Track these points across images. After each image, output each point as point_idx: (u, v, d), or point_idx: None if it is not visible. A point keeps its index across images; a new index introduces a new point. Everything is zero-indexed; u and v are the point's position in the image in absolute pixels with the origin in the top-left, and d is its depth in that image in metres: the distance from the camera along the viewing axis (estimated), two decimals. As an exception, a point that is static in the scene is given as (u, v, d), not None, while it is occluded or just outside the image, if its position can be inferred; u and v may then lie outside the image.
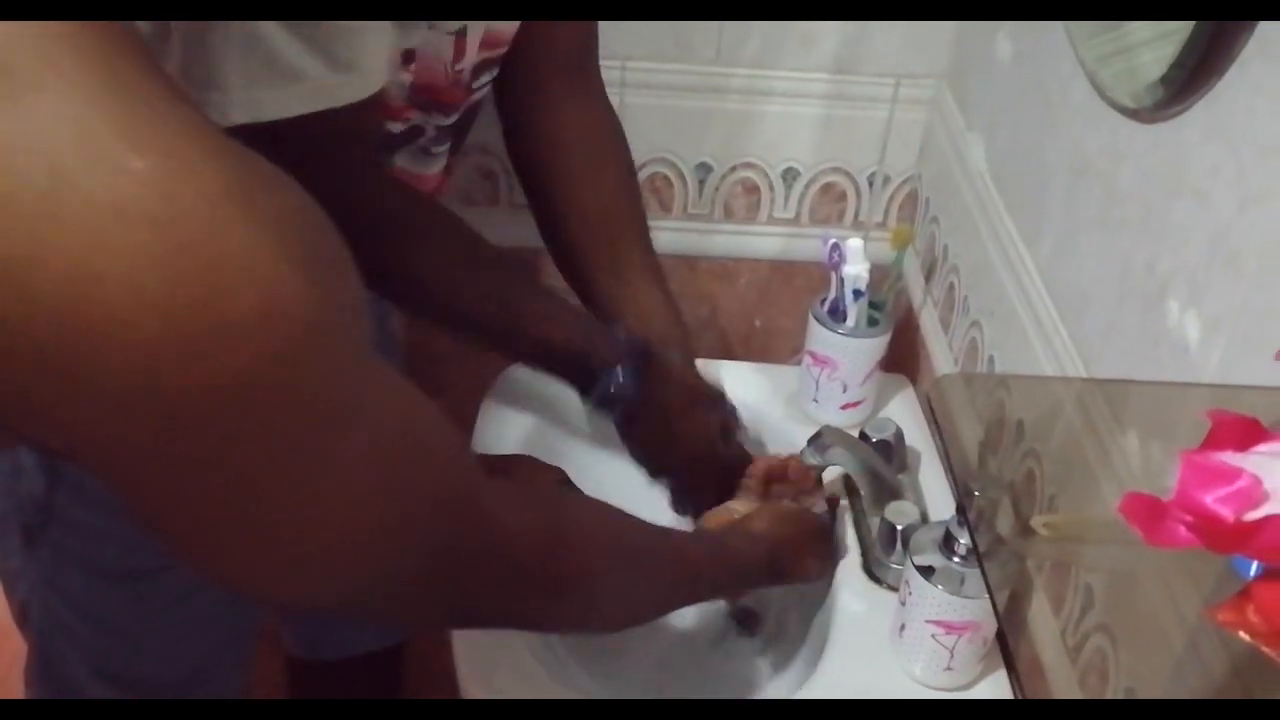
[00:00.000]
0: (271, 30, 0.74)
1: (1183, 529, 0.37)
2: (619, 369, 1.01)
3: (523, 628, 0.90)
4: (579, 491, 0.98)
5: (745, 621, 1.14)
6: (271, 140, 0.52)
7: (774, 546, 1.00)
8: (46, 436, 0.43)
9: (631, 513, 0.82)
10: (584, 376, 1.03)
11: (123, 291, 0.38)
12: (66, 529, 0.97)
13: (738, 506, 1.06)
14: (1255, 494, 0.37)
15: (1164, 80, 0.78)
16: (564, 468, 0.98)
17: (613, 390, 1.02)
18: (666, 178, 1.35)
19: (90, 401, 0.40)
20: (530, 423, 1.18)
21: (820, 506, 1.12)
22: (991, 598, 0.90)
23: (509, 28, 0.99)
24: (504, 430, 1.19)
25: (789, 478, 1.09)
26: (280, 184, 0.44)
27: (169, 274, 0.39)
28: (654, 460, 1.09)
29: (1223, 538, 0.37)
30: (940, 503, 1.12)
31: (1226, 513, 0.36)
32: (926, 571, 0.94)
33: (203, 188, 0.40)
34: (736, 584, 1.01)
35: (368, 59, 0.81)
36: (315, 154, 0.74)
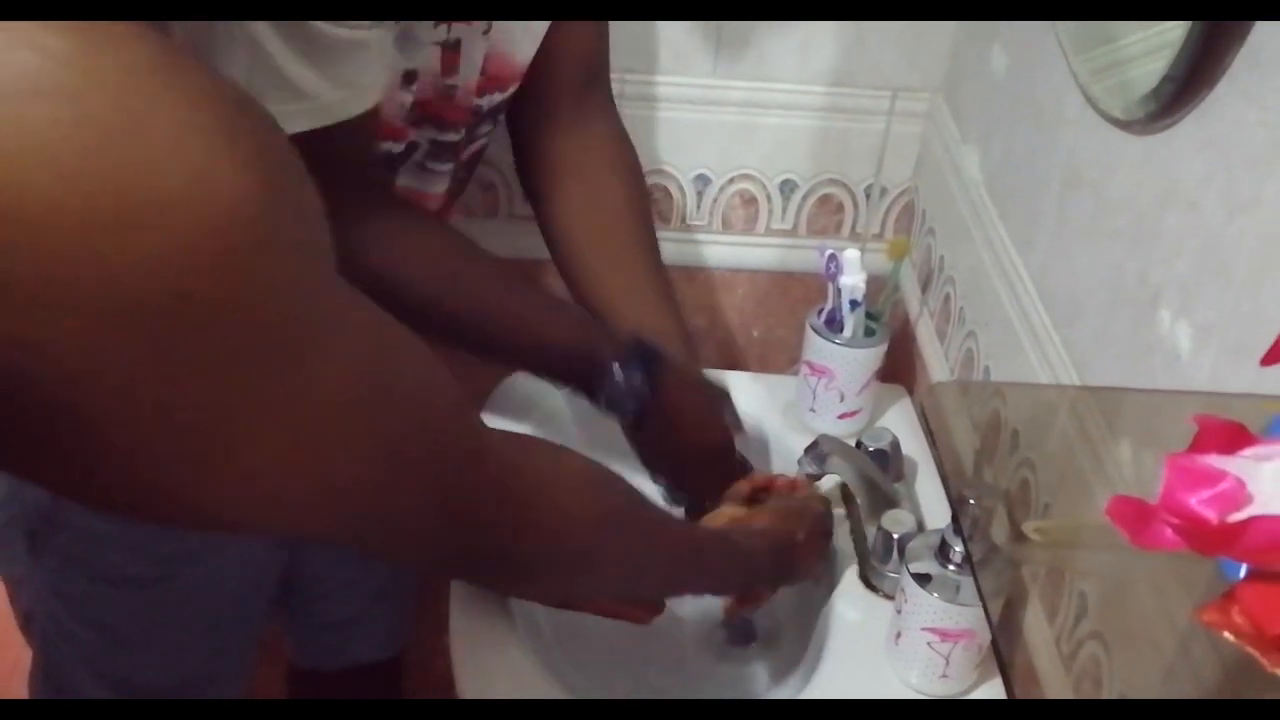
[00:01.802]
0: (276, 47, 0.75)
1: (1169, 531, 0.38)
2: (627, 368, 1.02)
3: (523, 583, 0.86)
4: None
5: (741, 630, 1.14)
6: None
7: (777, 541, 1.00)
8: None
9: None
10: (592, 378, 1.03)
11: (42, 169, 0.36)
12: (71, 536, 0.98)
13: (728, 511, 1.07)
14: (1239, 496, 0.37)
15: (1155, 93, 0.79)
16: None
17: (620, 389, 1.02)
18: (665, 189, 1.36)
19: (26, 296, 0.37)
20: (532, 429, 1.19)
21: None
22: (984, 605, 0.91)
23: (519, 62, 1.00)
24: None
25: (776, 490, 1.10)
26: (210, 71, 0.41)
27: (88, 147, 0.36)
28: (661, 460, 1.10)
29: (1207, 539, 0.38)
30: (936, 511, 1.13)
31: (1210, 515, 0.37)
32: (922, 579, 0.95)
33: (125, 61, 0.38)
34: (739, 575, 0.99)
35: (367, 74, 0.82)
36: (314, 172, 0.75)
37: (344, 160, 0.84)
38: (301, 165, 0.44)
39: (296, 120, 0.78)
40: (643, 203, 1.15)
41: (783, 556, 1.00)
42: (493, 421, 1.20)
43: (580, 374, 1.03)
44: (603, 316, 1.07)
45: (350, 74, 0.80)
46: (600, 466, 0.77)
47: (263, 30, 0.74)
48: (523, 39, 0.99)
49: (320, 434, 0.48)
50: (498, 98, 1.01)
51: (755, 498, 1.09)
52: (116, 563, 0.99)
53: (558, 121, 1.08)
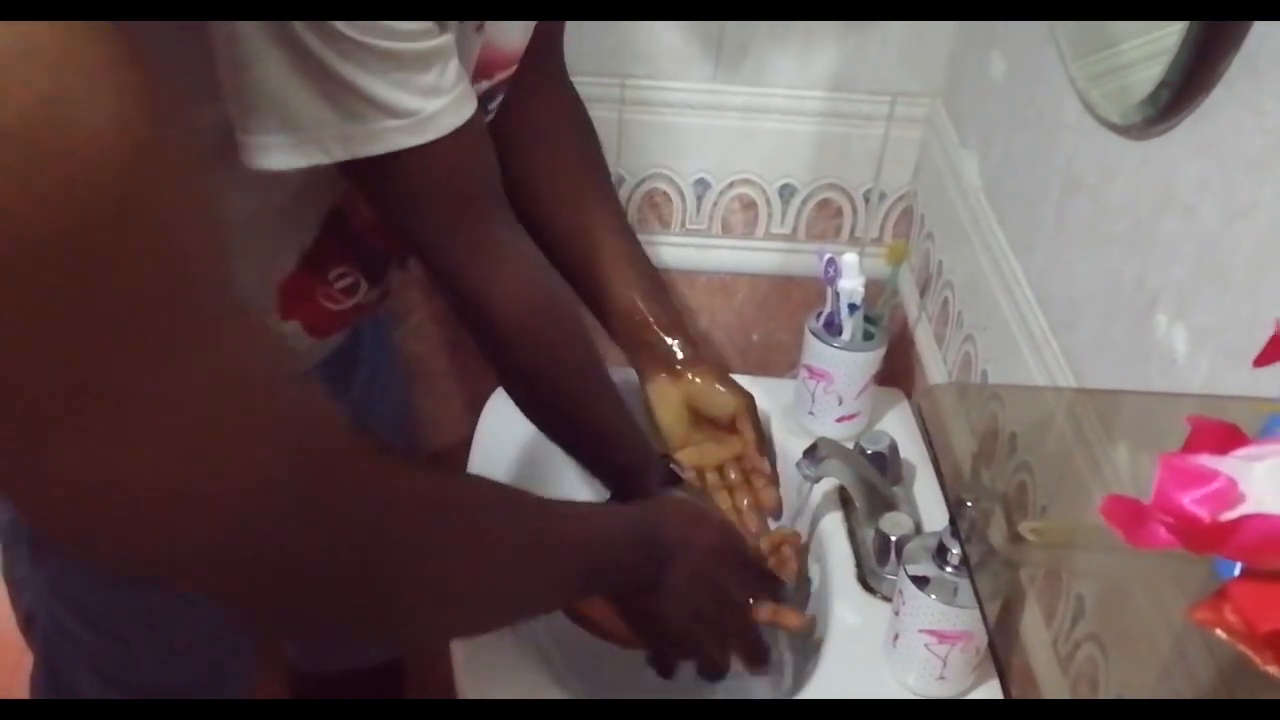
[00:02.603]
0: (349, 70, 0.75)
1: (1162, 530, 0.39)
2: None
3: (381, 630, 0.74)
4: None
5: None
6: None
7: (643, 532, 0.92)
8: None
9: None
10: (619, 483, 1.07)
11: None
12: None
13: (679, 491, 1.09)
14: (1231, 495, 0.38)
15: (1152, 98, 0.79)
16: (555, 486, 1.00)
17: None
18: (665, 193, 1.37)
19: None
20: (527, 438, 1.19)
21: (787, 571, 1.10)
22: (981, 607, 0.91)
23: (509, 53, 1.00)
24: (499, 446, 1.20)
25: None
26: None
27: None
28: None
29: (1200, 538, 0.38)
30: (934, 514, 1.14)
31: (1203, 513, 0.38)
32: (920, 581, 0.96)
33: None
34: (610, 573, 0.89)
35: (457, 83, 0.82)
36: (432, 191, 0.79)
37: (460, 181, 0.87)
38: (187, 141, 0.40)
39: (399, 137, 0.79)
40: (601, 160, 1.17)
41: (653, 551, 0.92)
42: (490, 428, 1.21)
43: (611, 483, 1.08)
44: (565, 256, 1.10)
45: (438, 83, 0.80)
46: (479, 489, 0.75)
47: (330, 56, 0.74)
48: (512, 28, 1.00)
49: (187, 442, 0.43)
50: (484, 85, 1.01)
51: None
52: (119, 564, 0.99)
53: (517, 94, 1.08)
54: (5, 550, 1.05)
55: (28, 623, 1.07)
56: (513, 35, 1.00)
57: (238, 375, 0.45)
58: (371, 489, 0.58)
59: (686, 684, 1.09)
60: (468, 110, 0.83)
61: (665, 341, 1.13)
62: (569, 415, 1.04)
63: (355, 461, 0.56)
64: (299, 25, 0.72)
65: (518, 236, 0.96)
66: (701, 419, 1.15)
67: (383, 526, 0.59)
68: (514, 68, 1.02)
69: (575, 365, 1.02)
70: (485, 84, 1.01)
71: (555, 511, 0.83)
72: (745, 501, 1.15)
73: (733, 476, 1.16)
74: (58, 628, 1.04)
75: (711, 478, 1.16)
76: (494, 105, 1.03)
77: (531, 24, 1.01)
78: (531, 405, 1.03)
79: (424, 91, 0.79)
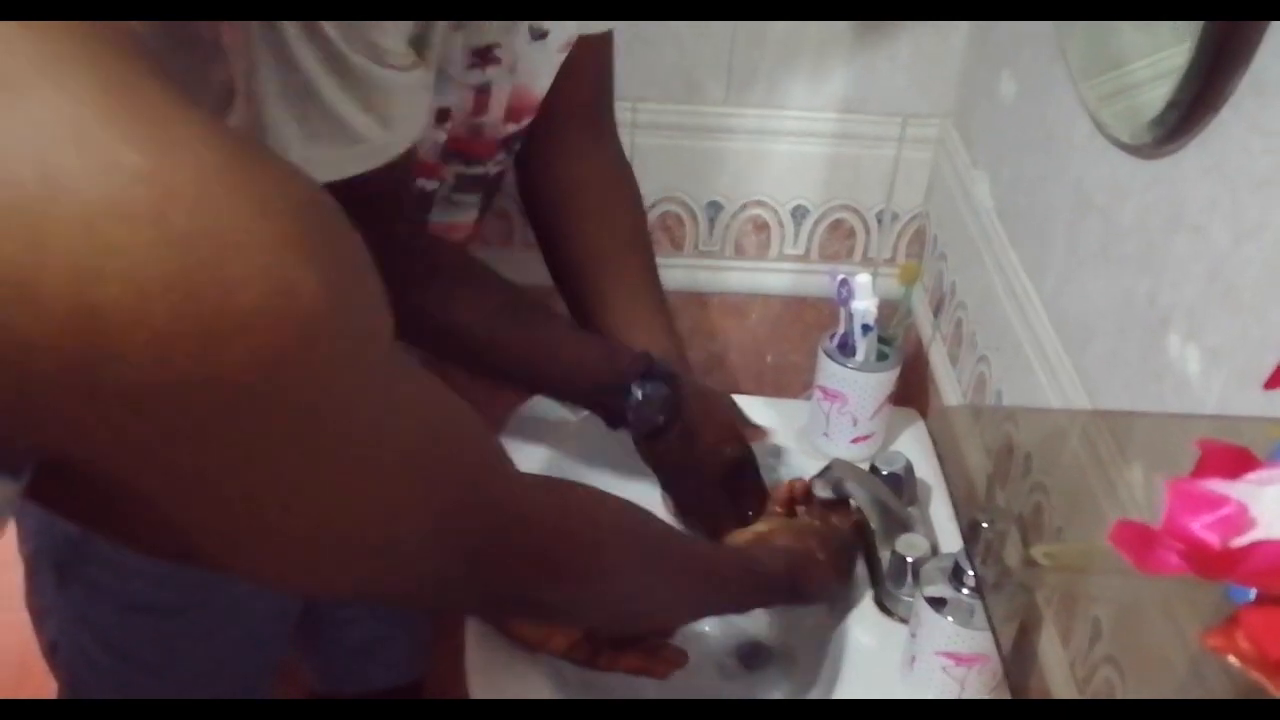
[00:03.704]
0: (332, 93, 0.76)
1: (1173, 556, 0.39)
2: (648, 385, 1.04)
3: (549, 618, 0.91)
4: None
5: (754, 653, 1.15)
6: None
7: (795, 561, 1.00)
8: (64, 446, 0.42)
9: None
10: (614, 399, 1.05)
11: (126, 289, 0.37)
12: (99, 565, 0.99)
13: (762, 528, 1.07)
14: (1241, 520, 0.38)
15: (1161, 118, 0.80)
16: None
17: (643, 405, 1.04)
18: (678, 216, 1.37)
19: (111, 407, 0.39)
20: (546, 456, 1.19)
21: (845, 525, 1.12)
22: (993, 629, 0.91)
23: (537, 94, 1.01)
24: (521, 463, 1.20)
25: (813, 499, 1.11)
26: (285, 169, 0.43)
27: (169, 267, 0.38)
28: (681, 474, 1.11)
29: (1210, 564, 0.38)
30: (950, 535, 1.13)
31: (1213, 539, 0.38)
32: (936, 603, 0.95)
33: (199, 173, 0.39)
34: (756, 596, 1.00)
35: (413, 114, 0.84)
36: (353, 211, 0.77)
37: (383, 197, 0.87)
38: (366, 253, 0.46)
39: (352, 164, 0.80)
40: (643, 229, 1.17)
41: (801, 576, 1.00)
42: (510, 446, 1.21)
43: (602, 396, 1.06)
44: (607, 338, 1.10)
45: (398, 114, 0.81)
46: (630, 506, 0.79)
47: (320, 76, 0.75)
48: (541, 70, 1.01)
49: (380, 507, 0.51)
50: (513, 129, 1.02)
51: (793, 505, 1.11)
52: (142, 591, 1.00)
53: (563, 151, 1.09)
54: (29, 579, 1.05)
55: (52, 651, 1.07)
56: (541, 80, 1.01)
57: (417, 439, 0.52)
58: (531, 505, 0.66)
59: (687, 684, 1.09)
60: (409, 142, 0.84)
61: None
62: (506, 348, 1.03)
63: (516, 481, 0.65)
64: (296, 38, 0.73)
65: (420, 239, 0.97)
66: None
67: (540, 539, 0.67)
68: (536, 113, 1.03)
69: (488, 298, 1.02)
70: (514, 127, 1.02)
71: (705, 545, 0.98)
72: None
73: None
74: (82, 655, 1.05)
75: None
76: (516, 147, 1.04)
77: (557, 65, 1.02)
78: (467, 353, 1.03)
79: (384, 120, 0.80)
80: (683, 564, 0.86)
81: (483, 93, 0.95)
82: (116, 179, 0.37)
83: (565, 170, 1.11)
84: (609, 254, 1.13)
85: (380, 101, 0.79)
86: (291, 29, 0.73)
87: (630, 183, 1.17)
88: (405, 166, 0.88)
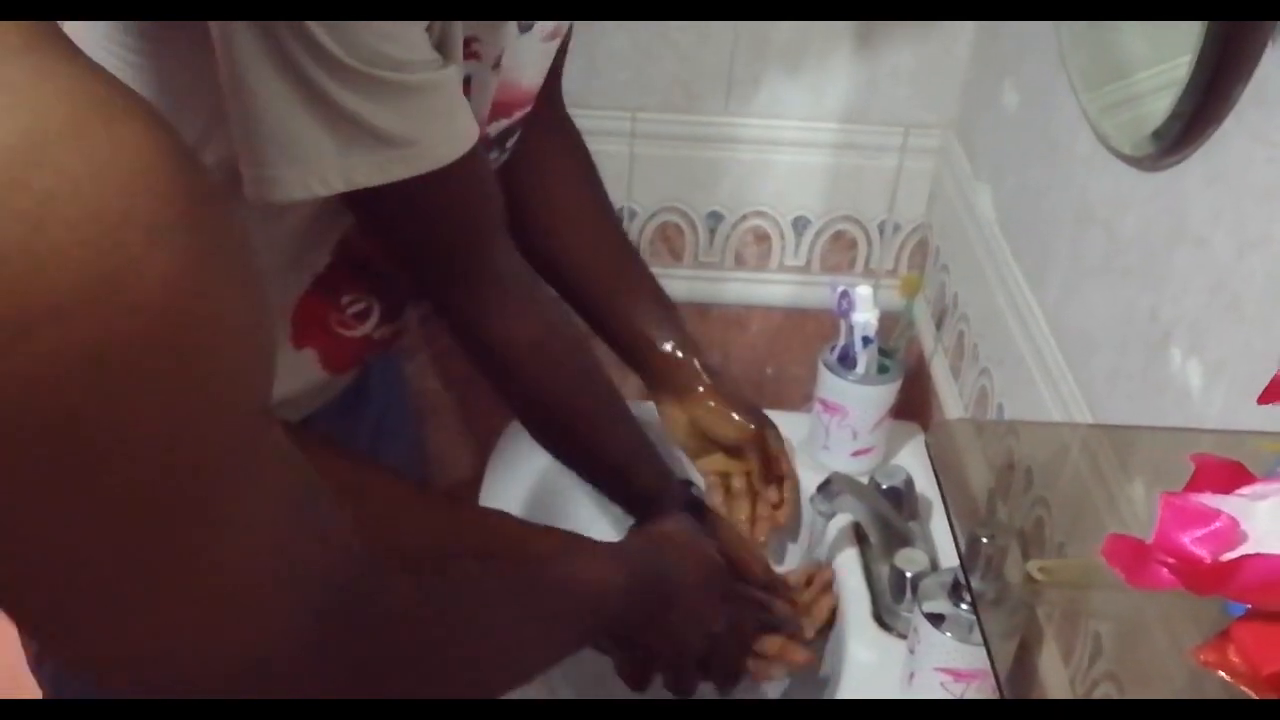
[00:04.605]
0: (350, 99, 0.75)
1: (1165, 571, 0.38)
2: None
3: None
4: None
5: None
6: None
7: (650, 600, 0.91)
8: None
9: None
10: (638, 510, 1.07)
11: None
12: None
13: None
14: (1232, 535, 0.37)
15: (1164, 129, 0.79)
16: (568, 520, 1.00)
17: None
18: (678, 227, 1.37)
19: None
20: (537, 474, 1.19)
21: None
22: (987, 644, 0.90)
23: (525, 89, 1.00)
24: (511, 481, 1.19)
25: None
26: (157, 137, 0.34)
27: None
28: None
29: (1201, 578, 0.37)
30: (950, 550, 1.12)
31: (1204, 553, 0.37)
32: (935, 619, 0.94)
33: (32, 125, 0.31)
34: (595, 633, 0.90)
35: (459, 116, 0.82)
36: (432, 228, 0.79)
37: (460, 212, 0.87)
38: (251, 260, 0.38)
39: (397, 168, 0.78)
40: (602, 189, 1.17)
41: (650, 596, 0.91)
42: (502, 464, 1.21)
43: (630, 505, 1.08)
44: (589, 298, 1.11)
45: (438, 115, 0.80)
46: (509, 584, 0.74)
47: (330, 85, 0.74)
48: (528, 62, 1.00)
49: (229, 592, 0.42)
50: (504, 124, 1.01)
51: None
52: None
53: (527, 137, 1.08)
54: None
55: (38, 661, 1.06)
56: (529, 72, 1.00)
57: (269, 519, 0.43)
58: (390, 598, 0.58)
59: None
60: (466, 143, 0.83)
61: (676, 366, 1.13)
62: (583, 443, 1.04)
63: (374, 574, 0.56)
64: (301, 56, 0.72)
65: (520, 268, 0.96)
66: (711, 442, 1.15)
67: (402, 631, 0.59)
68: (530, 105, 1.02)
69: (586, 392, 1.02)
70: (505, 122, 1.01)
71: (560, 573, 0.83)
72: (748, 514, 1.17)
73: (739, 487, 1.17)
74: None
75: (737, 483, 1.17)
76: (511, 143, 1.03)
77: (548, 61, 1.01)
78: (542, 434, 1.03)
79: (424, 123, 0.79)
80: (540, 634, 0.78)
81: (464, 86, 0.94)
82: None
83: (528, 155, 1.09)
84: (581, 223, 1.14)
85: (414, 106, 0.78)
86: (294, 47, 0.72)
87: (581, 147, 1.15)
88: (475, 177, 0.87)
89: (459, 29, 0.83)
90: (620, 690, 1.00)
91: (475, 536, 0.92)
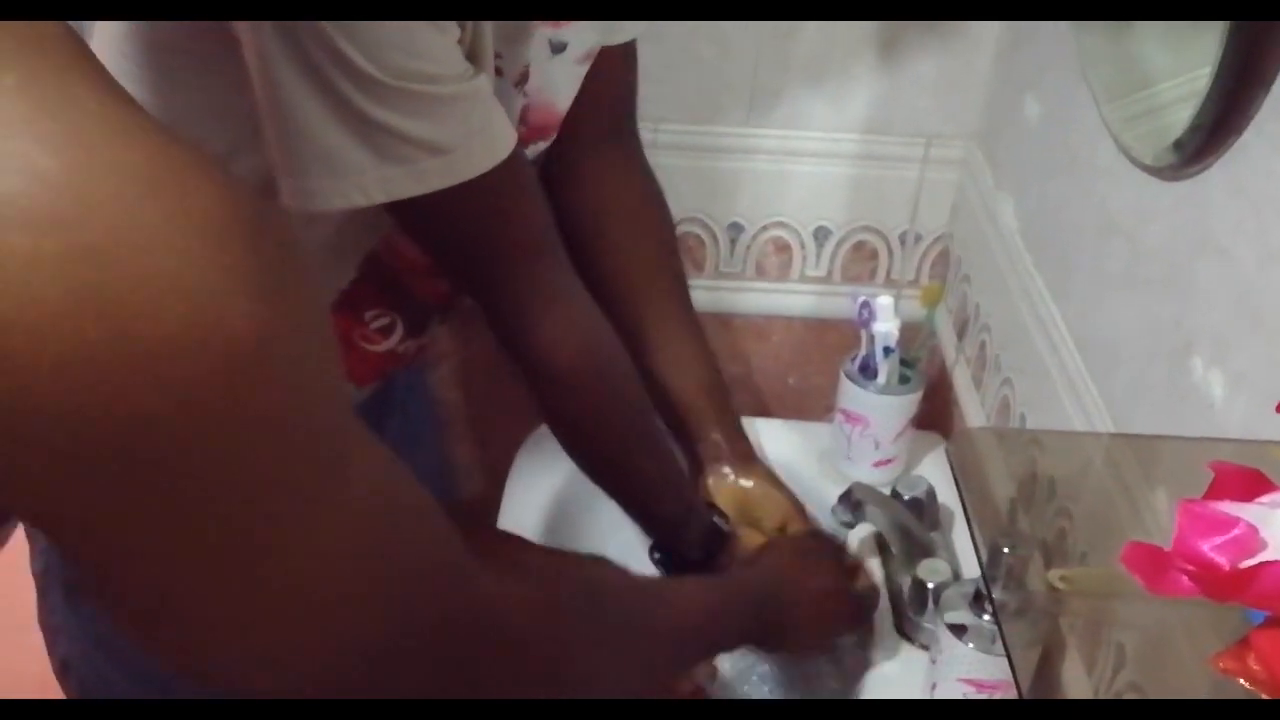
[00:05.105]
0: (378, 111, 0.75)
1: (1183, 578, 0.38)
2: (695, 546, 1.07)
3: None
4: None
5: (777, 683, 1.13)
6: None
7: (767, 606, 0.96)
8: None
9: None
10: (658, 533, 1.08)
11: (26, 307, 0.32)
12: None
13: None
14: (1251, 542, 0.37)
15: (1184, 140, 0.79)
16: (587, 534, 1.00)
17: (683, 560, 1.07)
18: (699, 237, 1.37)
19: (9, 439, 0.34)
20: (562, 480, 1.19)
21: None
22: (1009, 655, 0.90)
23: (561, 109, 1.01)
24: (536, 488, 1.20)
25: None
26: (225, 184, 0.37)
27: (76, 283, 0.33)
28: None
29: (1219, 585, 0.37)
30: (973, 561, 1.12)
31: (1222, 560, 0.37)
32: (957, 630, 0.94)
33: (120, 186, 0.34)
34: (715, 648, 0.96)
35: (495, 122, 0.83)
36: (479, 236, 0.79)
37: (502, 220, 0.87)
38: (318, 294, 0.41)
39: (435, 178, 0.79)
40: (673, 248, 1.17)
41: (772, 623, 0.96)
42: (526, 470, 1.21)
43: (655, 537, 1.09)
44: (636, 358, 1.09)
45: (473, 123, 0.81)
46: (591, 580, 0.76)
47: (366, 102, 0.75)
48: (562, 85, 1.00)
49: (322, 581, 0.45)
50: (542, 146, 1.02)
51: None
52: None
53: (590, 168, 1.09)
54: (40, 598, 1.05)
55: (63, 668, 1.07)
56: (564, 94, 1.00)
57: (365, 517, 0.46)
58: (491, 601, 0.60)
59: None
60: (504, 150, 0.83)
61: (717, 440, 1.14)
62: (615, 462, 1.04)
63: (472, 577, 0.58)
64: (332, 71, 0.73)
65: (569, 280, 0.95)
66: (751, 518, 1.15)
67: (489, 631, 0.61)
68: (554, 132, 1.02)
69: (624, 412, 1.02)
70: (543, 144, 1.02)
71: (664, 596, 0.87)
72: None
73: None
74: (94, 674, 1.04)
75: None
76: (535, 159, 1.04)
77: (579, 81, 1.01)
78: (578, 450, 1.03)
79: (460, 132, 0.79)
80: (643, 643, 0.80)
81: None
82: (21, 182, 0.33)
83: (592, 190, 1.10)
84: (639, 281, 1.12)
85: (440, 113, 0.78)
86: (325, 62, 0.73)
87: (658, 199, 1.16)
88: (517, 185, 0.87)
89: (490, 38, 0.83)
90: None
91: (552, 556, 0.92)
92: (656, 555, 1.09)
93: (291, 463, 0.40)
